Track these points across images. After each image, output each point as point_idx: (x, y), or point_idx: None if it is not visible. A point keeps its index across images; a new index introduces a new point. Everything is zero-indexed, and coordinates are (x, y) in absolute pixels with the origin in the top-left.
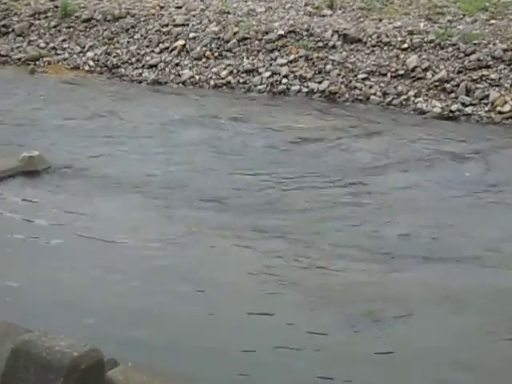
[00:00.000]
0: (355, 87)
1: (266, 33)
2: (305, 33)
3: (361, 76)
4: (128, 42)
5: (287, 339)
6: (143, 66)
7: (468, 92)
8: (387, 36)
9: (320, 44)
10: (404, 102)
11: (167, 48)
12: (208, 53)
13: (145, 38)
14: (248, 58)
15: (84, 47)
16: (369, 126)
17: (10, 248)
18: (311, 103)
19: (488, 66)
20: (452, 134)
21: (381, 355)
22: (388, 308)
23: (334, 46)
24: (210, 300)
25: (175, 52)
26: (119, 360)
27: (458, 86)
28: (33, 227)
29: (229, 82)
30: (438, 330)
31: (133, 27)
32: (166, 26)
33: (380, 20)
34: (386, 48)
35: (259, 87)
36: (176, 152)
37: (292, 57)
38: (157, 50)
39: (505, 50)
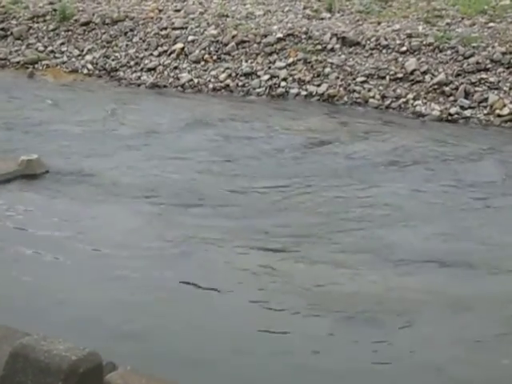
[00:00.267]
0: (354, 90)
1: (265, 36)
2: (303, 36)
3: (359, 79)
4: (127, 45)
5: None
6: (142, 70)
7: (467, 95)
8: (386, 39)
9: (319, 47)
10: (403, 105)
11: (166, 51)
12: (207, 56)
13: (143, 41)
14: (247, 61)
15: (82, 50)
16: (367, 129)
17: (4, 252)
18: (310, 106)
19: (487, 69)
20: (451, 136)
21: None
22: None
23: (332, 49)
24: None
25: (174, 55)
26: (118, 364)
27: (456, 89)
28: (29, 231)
29: (227, 86)
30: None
31: (131, 30)
32: (165, 29)
33: (379, 23)
34: (384, 51)
35: (258, 90)
36: (175, 156)
37: (291, 60)
38: (155, 53)
39: (503, 53)
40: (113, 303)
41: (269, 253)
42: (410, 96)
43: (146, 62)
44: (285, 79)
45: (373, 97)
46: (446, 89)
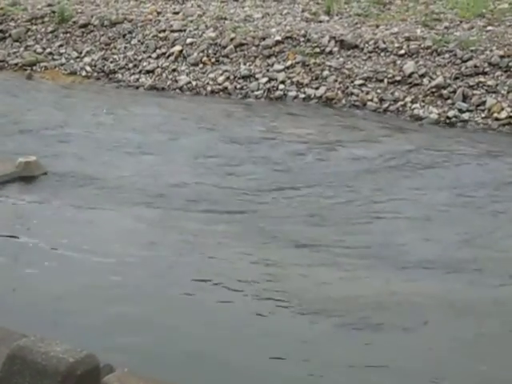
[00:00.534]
0: (352, 93)
1: (263, 39)
2: (302, 39)
3: (358, 82)
4: (125, 47)
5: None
6: (140, 72)
7: (465, 98)
8: (384, 42)
9: (317, 50)
10: (401, 108)
11: (164, 53)
12: (205, 58)
13: (142, 43)
14: (245, 64)
15: (81, 53)
16: (365, 132)
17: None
18: (308, 109)
19: (485, 73)
20: (448, 140)
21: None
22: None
23: (331, 52)
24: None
25: (172, 58)
26: (115, 366)
27: (454, 92)
28: (25, 233)
29: (226, 88)
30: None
31: (130, 33)
32: (163, 31)
33: (377, 26)
34: (382, 54)
35: (256, 93)
36: (173, 160)
37: (289, 63)
38: (154, 55)
39: (501, 57)
40: (104, 310)
41: (272, 256)
42: (408, 99)
43: (145, 64)
44: (283, 82)
45: (371, 100)
46: (444, 92)
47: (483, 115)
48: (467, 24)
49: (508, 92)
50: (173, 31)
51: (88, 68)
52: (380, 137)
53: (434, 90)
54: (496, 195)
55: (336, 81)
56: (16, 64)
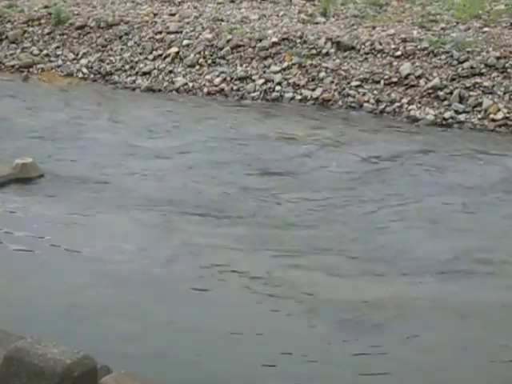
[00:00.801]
0: (348, 94)
1: (260, 40)
2: (298, 40)
3: (354, 83)
4: (121, 49)
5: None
6: (137, 73)
7: (461, 99)
8: (380, 43)
9: (313, 51)
10: (397, 110)
11: (161, 55)
12: (201, 60)
13: (138, 45)
14: (241, 66)
15: (77, 54)
16: (362, 133)
17: None
18: (305, 110)
19: (481, 74)
20: (445, 141)
21: None
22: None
23: (327, 54)
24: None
25: (169, 59)
26: (112, 367)
27: (451, 93)
28: (21, 235)
29: (222, 90)
30: None
31: (126, 34)
32: (160, 33)
33: (373, 27)
34: (379, 55)
35: (253, 94)
36: (171, 161)
37: (285, 64)
38: (150, 57)
39: (498, 58)
40: (98, 314)
41: (275, 260)
42: (405, 100)
43: (141, 65)
44: (279, 83)
45: (367, 101)
46: (441, 93)
47: (480, 116)
48: (464, 25)
49: (504, 93)
50: (169, 33)
51: (85, 70)
52: (376, 138)
53: (430, 91)
54: (494, 196)
55: (332, 82)
56: (13, 66)
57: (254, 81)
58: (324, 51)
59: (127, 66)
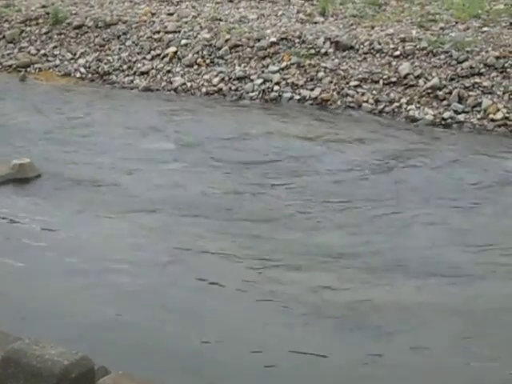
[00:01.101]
0: (347, 94)
1: (258, 40)
2: (297, 40)
3: (353, 83)
4: (119, 48)
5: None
6: (135, 73)
7: (460, 99)
8: (379, 43)
9: (312, 51)
10: (396, 110)
11: (159, 55)
12: (200, 60)
13: (136, 44)
14: (240, 65)
15: (75, 54)
16: (361, 133)
17: None
18: (303, 110)
19: (480, 74)
20: (444, 141)
21: None
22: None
23: (326, 53)
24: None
25: (167, 59)
26: (110, 368)
27: (450, 93)
28: (17, 235)
29: (220, 89)
30: None
31: (124, 34)
32: (158, 32)
33: (372, 27)
34: (378, 55)
35: (251, 94)
36: (169, 162)
37: (284, 64)
38: (148, 56)
39: (497, 58)
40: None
41: (278, 262)
42: (404, 100)
43: (139, 65)
44: (278, 83)
45: (366, 101)
46: (440, 93)
47: (479, 116)
48: (463, 25)
49: (504, 93)
50: (167, 32)
51: (82, 69)
52: (374, 138)
53: (429, 91)
54: (492, 196)
55: (331, 82)
56: (10, 65)
57: (252, 80)
58: (323, 51)
59: (125, 66)
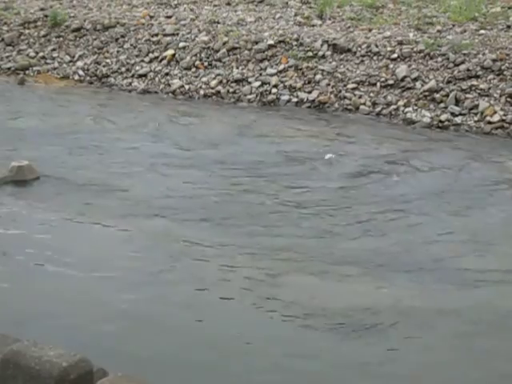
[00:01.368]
0: (345, 97)
1: (256, 42)
2: (294, 43)
3: (350, 86)
4: (118, 51)
5: None
6: (133, 76)
7: (457, 102)
8: (377, 46)
9: (310, 54)
10: (393, 112)
11: (157, 57)
12: (198, 62)
13: (134, 47)
14: (238, 68)
15: (74, 57)
16: (358, 136)
17: None
18: (301, 113)
19: (477, 76)
20: (441, 143)
21: None
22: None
23: (323, 56)
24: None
25: (165, 61)
26: (109, 370)
27: (447, 95)
28: (15, 237)
29: (218, 92)
30: None
31: (122, 37)
32: (156, 35)
33: (369, 30)
34: (375, 58)
35: (249, 97)
36: (168, 163)
37: (282, 66)
38: (146, 59)
39: (494, 60)
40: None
41: (278, 264)
42: (401, 103)
43: (137, 68)
44: (276, 86)
45: (364, 103)
46: (437, 96)
47: (476, 119)
48: (460, 27)
49: (500, 95)
50: (165, 35)
51: (81, 72)
52: (372, 141)
53: (426, 93)
54: (490, 198)
55: (329, 85)
56: (9, 68)
57: (250, 83)
58: (320, 54)
59: (123, 69)
